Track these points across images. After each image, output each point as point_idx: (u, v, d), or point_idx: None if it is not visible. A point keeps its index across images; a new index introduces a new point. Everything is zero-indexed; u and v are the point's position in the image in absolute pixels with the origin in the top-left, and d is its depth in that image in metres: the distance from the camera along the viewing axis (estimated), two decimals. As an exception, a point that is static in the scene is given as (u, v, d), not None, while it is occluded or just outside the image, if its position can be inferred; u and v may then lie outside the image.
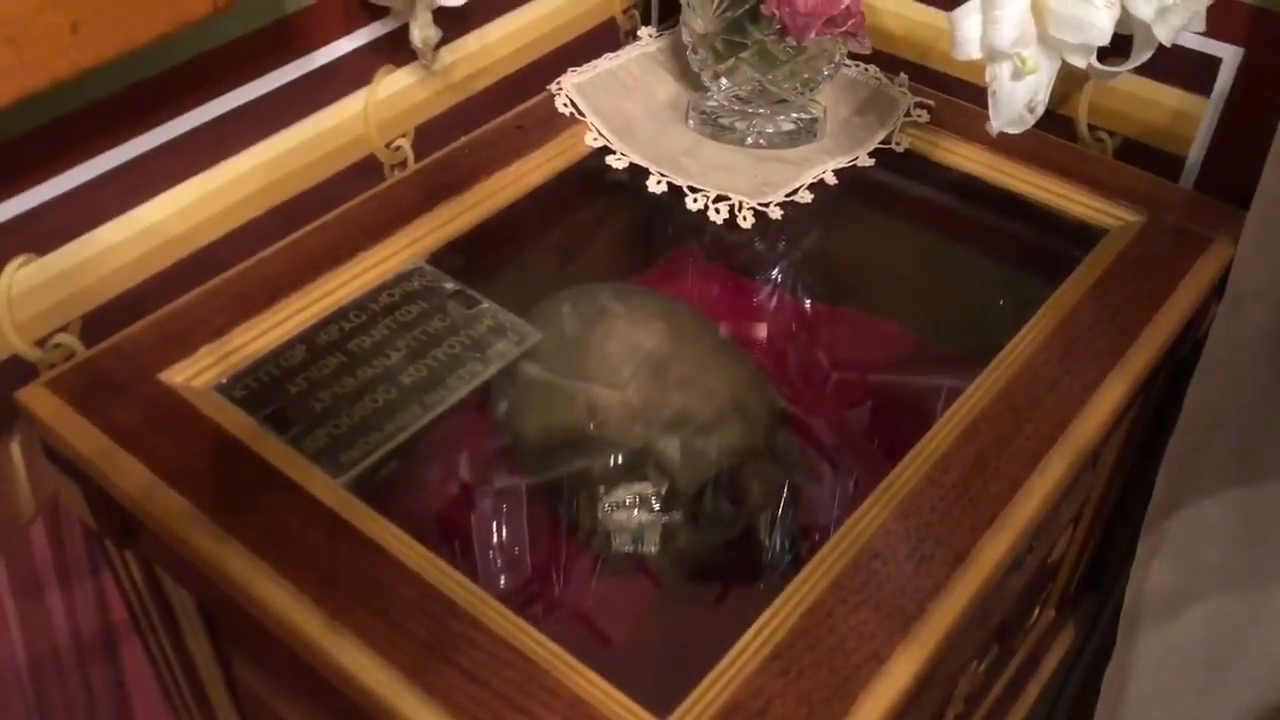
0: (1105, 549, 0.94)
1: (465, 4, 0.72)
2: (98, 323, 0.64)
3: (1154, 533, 0.87)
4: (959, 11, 0.57)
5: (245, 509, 0.54)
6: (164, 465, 0.56)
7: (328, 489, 0.55)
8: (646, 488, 0.68)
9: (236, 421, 0.58)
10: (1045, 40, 0.58)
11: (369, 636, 0.48)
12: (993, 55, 0.57)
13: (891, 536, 0.54)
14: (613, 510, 0.67)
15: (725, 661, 0.48)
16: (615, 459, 0.67)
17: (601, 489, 0.67)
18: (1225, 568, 0.88)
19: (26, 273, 0.60)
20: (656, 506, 0.67)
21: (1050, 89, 0.61)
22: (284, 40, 0.66)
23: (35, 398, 0.59)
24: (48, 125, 0.57)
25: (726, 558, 0.68)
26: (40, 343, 0.62)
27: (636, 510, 0.67)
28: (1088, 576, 0.95)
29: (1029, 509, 0.55)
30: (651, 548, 0.67)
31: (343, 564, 0.51)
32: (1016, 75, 0.58)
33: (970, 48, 0.57)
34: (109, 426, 0.57)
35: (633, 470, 0.68)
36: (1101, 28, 0.57)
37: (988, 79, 0.59)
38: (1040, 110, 0.61)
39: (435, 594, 0.50)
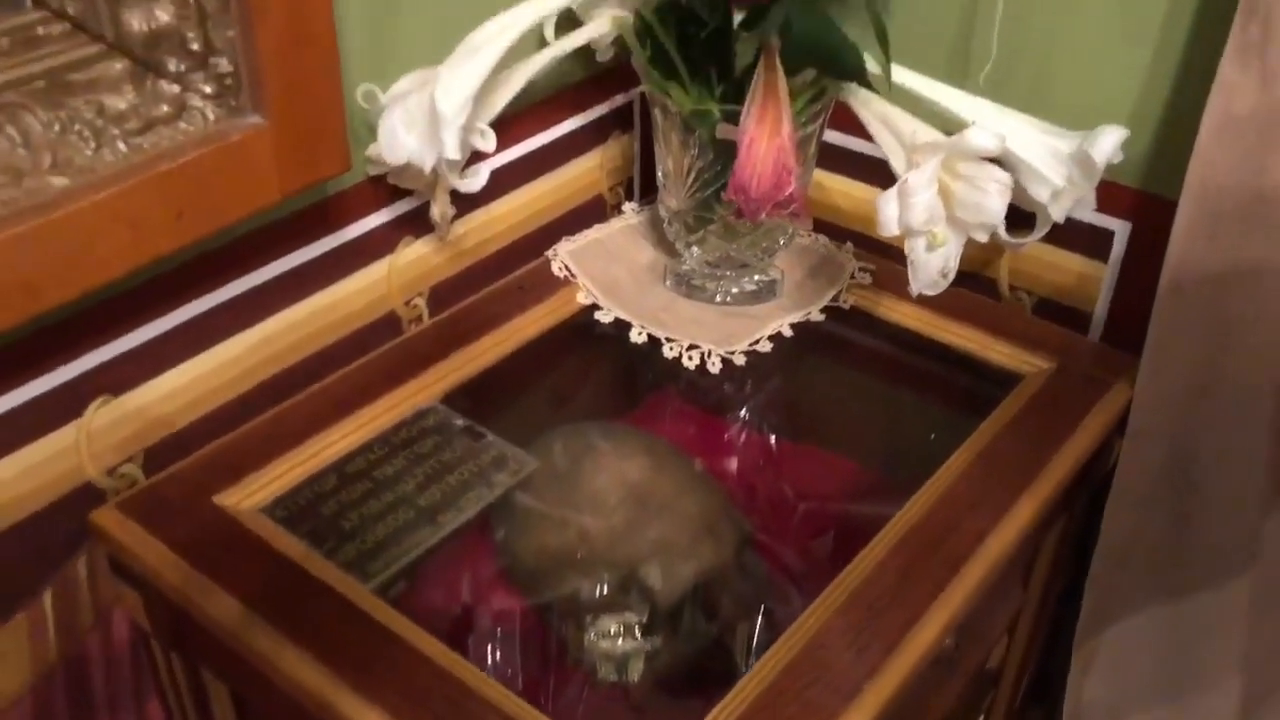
0: (1049, 664, 1.03)
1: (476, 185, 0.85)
2: (159, 454, 0.75)
3: (1085, 648, 0.97)
4: (881, 197, 0.71)
5: (288, 610, 0.64)
6: (218, 575, 0.66)
7: (358, 593, 0.65)
8: (630, 618, 0.77)
9: (280, 538, 0.69)
10: (952, 220, 0.71)
11: (395, 711, 0.58)
12: (909, 232, 0.70)
13: (834, 632, 0.64)
14: (599, 639, 0.77)
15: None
16: (602, 577, 0.77)
17: (589, 618, 0.76)
18: (1155, 681, 0.97)
19: (103, 411, 0.71)
20: (639, 636, 0.76)
21: (959, 257, 0.74)
22: (323, 217, 0.79)
23: (107, 518, 0.70)
24: (134, 289, 0.69)
25: (700, 662, 0.77)
26: (109, 471, 0.73)
27: (621, 640, 0.77)
28: (1034, 690, 1.04)
29: (951, 607, 0.66)
30: (634, 676, 0.76)
31: (372, 654, 0.61)
32: (930, 248, 0.71)
33: (891, 226, 0.70)
34: (171, 542, 0.68)
35: (618, 588, 0.78)
36: (995, 210, 0.70)
37: (906, 251, 0.72)
38: (952, 275, 0.74)
39: (449, 677, 0.60)
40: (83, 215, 0.54)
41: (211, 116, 0.60)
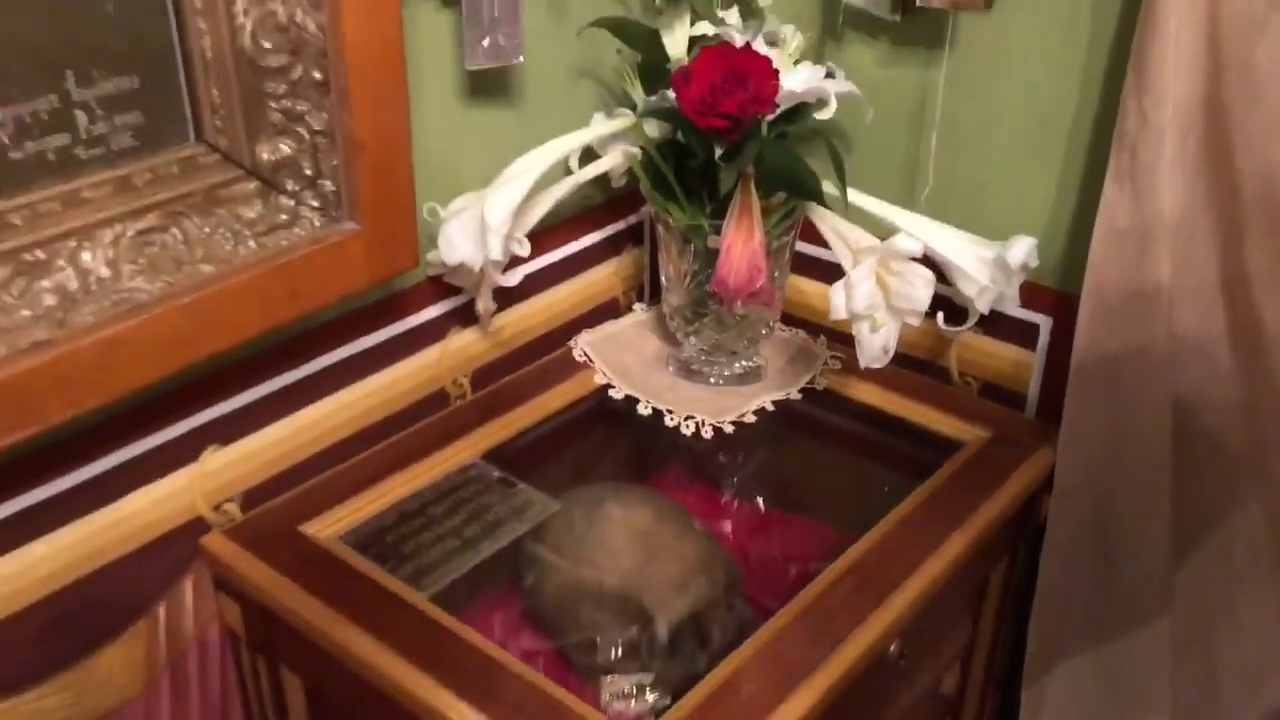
0: (1014, 702, 1.16)
1: (514, 284, 1.05)
2: (254, 494, 0.93)
3: (1034, 688, 1.12)
4: (832, 288, 0.89)
5: (361, 611, 0.80)
6: (306, 585, 0.83)
7: (417, 599, 0.82)
8: (645, 678, 0.93)
9: (354, 559, 0.86)
10: (890, 307, 0.90)
11: (444, 683, 0.74)
12: (855, 316, 0.89)
13: (790, 631, 0.80)
14: (613, 700, 0.92)
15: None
16: (613, 607, 0.93)
17: (606, 679, 0.92)
18: (1098, 716, 1.11)
19: (214, 457, 0.89)
20: (650, 697, 0.91)
21: (898, 338, 0.92)
22: (391, 309, 0.98)
23: (215, 543, 0.87)
24: (243, 359, 0.88)
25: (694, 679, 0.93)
26: (215, 507, 0.91)
27: (634, 702, 0.92)
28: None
29: (892, 613, 0.82)
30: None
31: (429, 643, 0.78)
32: (873, 329, 0.89)
33: (840, 311, 0.89)
34: (268, 561, 0.85)
35: (624, 615, 0.94)
36: (922, 299, 0.88)
37: (854, 331, 0.90)
38: (892, 351, 0.92)
39: (488, 659, 0.77)
40: (225, 292, 0.74)
41: (318, 223, 0.80)
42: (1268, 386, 0.90)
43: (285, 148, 0.78)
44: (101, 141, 0.70)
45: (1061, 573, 1.05)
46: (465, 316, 1.06)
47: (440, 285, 1.02)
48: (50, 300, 0.68)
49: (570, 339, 1.15)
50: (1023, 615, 1.08)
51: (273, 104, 0.76)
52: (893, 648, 0.84)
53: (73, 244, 0.70)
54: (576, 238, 1.14)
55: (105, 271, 0.71)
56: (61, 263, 0.69)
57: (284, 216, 0.79)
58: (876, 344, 0.90)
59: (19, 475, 0.76)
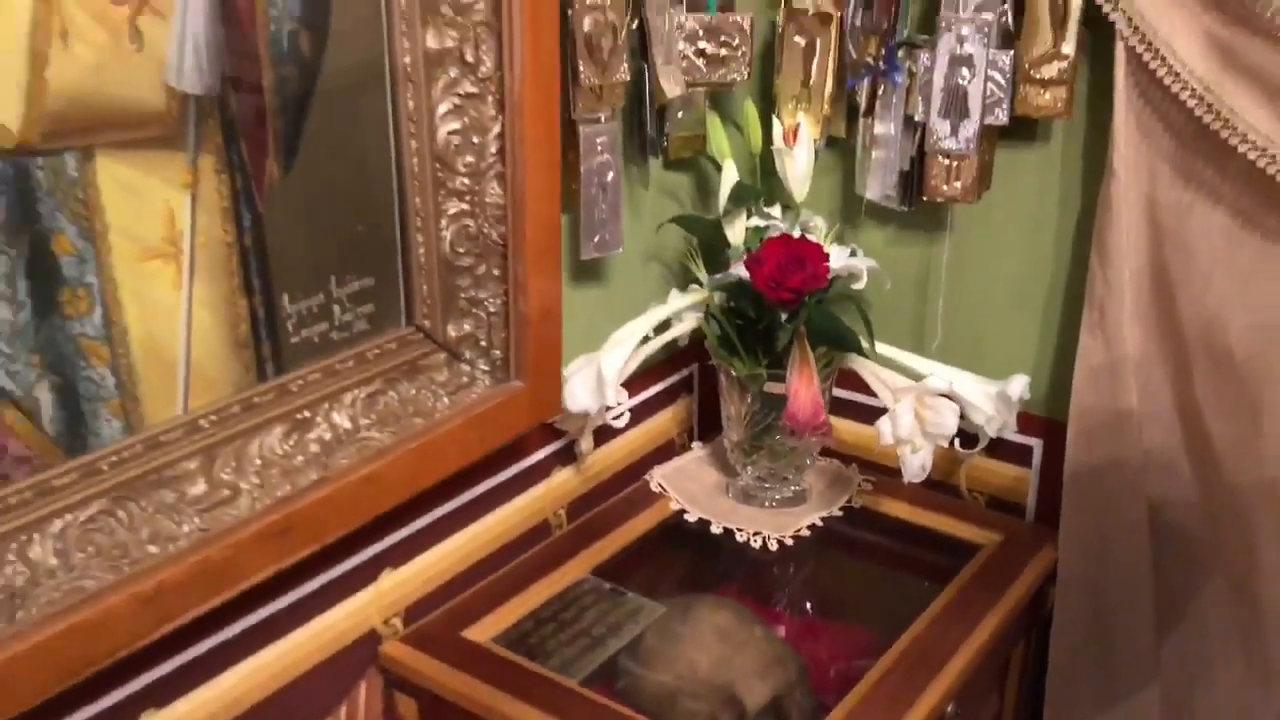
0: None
1: (601, 424, 1.27)
2: (414, 609, 1.12)
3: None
4: (880, 420, 1.13)
5: (523, 692, 0.99)
6: (479, 677, 1.02)
7: (570, 682, 1.01)
8: None
9: (511, 655, 1.05)
10: (924, 434, 1.14)
11: (615, 740, 0.93)
12: (899, 441, 1.12)
13: (865, 707, 1.00)
14: None
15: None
16: (707, 695, 1.13)
17: None
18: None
19: (390, 578, 1.09)
20: None
21: (931, 460, 1.15)
22: (509, 453, 1.20)
23: (396, 650, 1.06)
24: (413, 500, 1.08)
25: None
26: (385, 621, 1.10)
27: None
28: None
29: (938, 692, 1.02)
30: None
31: (583, 713, 0.97)
32: (913, 451, 1.12)
33: (887, 438, 1.12)
34: (440, 658, 1.04)
35: (717, 701, 1.13)
36: (950, 426, 1.12)
37: (898, 454, 1.14)
38: (928, 469, 1.15)
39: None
40: (438, 438, 0.95)
41: (487, 383, 1.03)
42: (1222, 490, 1.15)
43: (467, 326, 1.00)
44: (348, 327, 0.92)
45: (1068, 651, 1.27)
46: (564, 457, 1.27)
47: (546, 431, 1.24)
48: (315, 448, 0.89)
49: (642, 474, 1.37)
50: (1038, 689, 1.29)
51: (461, 294, 0.99)
52: (950, 708, 1.05)
53: (326, 405, 0.91)
54: (645, 388, 1.37)
55: (348, 425, 0.92)
56: (320, 420, 0.90)
57: (465, 379, 1.01)
58: (916, 464, 1.14)
59: (244, 601, 0.95)
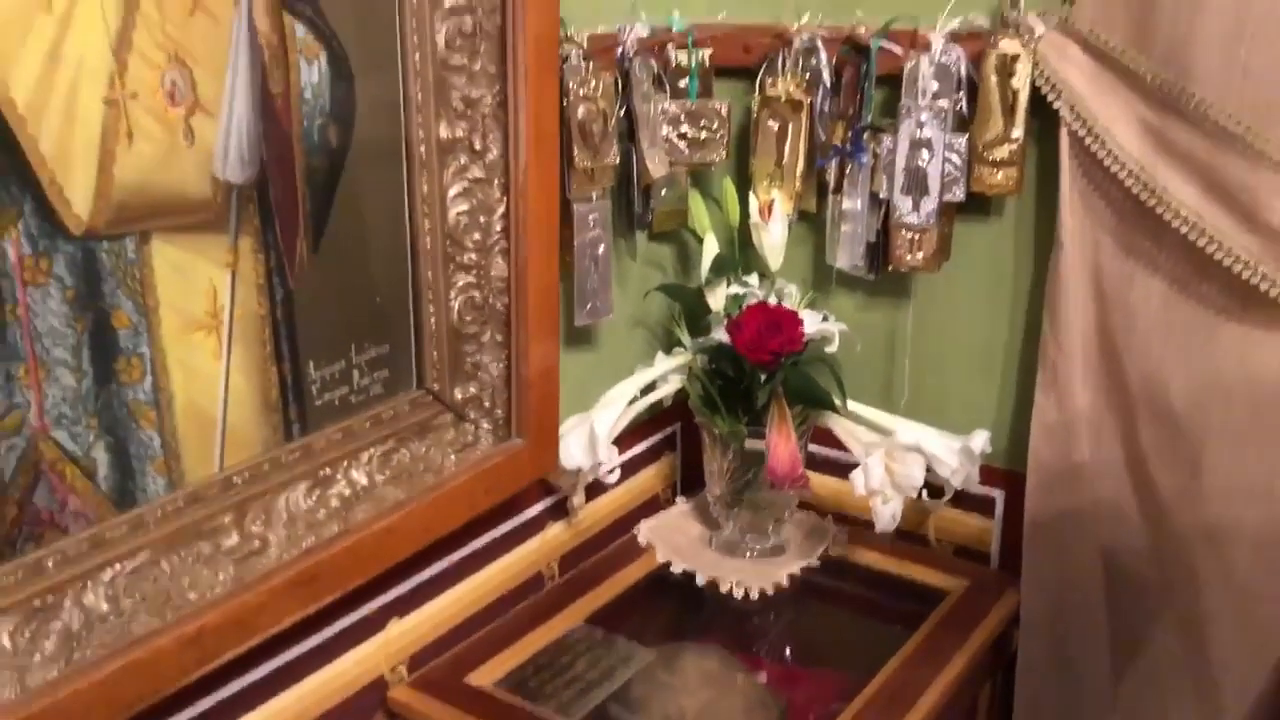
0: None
1: (593, 480, 1.35)
2: (418, 656, 1.18)
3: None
4: (853, 473, 1.22)
5: (530, 732, 1.06)
6: (478, 718, 1.08)
7: (569, 722, 1.09)
8: None
9: (514, 699, 1.12)
10: (894, 485, 1.22)
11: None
12: (871, 493, 1.21)
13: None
14: None
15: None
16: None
17: None
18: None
19: (397, 627, 1.16)
20: None
21: (901, 510, 1.24)
22: (506, 508, 1.27)
23: (406, 694, 1.13)
24: (420, 552, 1.15)
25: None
26: (391, 669, 1.16)
27: None
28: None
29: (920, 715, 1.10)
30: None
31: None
32: (884, 502, 1.21)
33: (860, 489, 1.21)
34: (452, 704, 1.11)
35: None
36: (917, 478, 1.21)
37: (870, 505, 1.22)
38: (898, 519, 1.24)
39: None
40: (447, 492, 1.03)
41: (490, 441, 1.11)
42: (1169, 537, 1.24)
43: (473, 389, 1.09)
44: (365, 391, 1.00)
45: (1031, 690, 1.35)
46: (557, 512, 1.35)
47: (540, 488, 1.31)
48: (336, 503, 0.97)
49: (630, 528, 1.44)
50: (1006, 728, 1.37)
51: (467, 359, 1.07)
52: (920, 745, 1.13)
53: (346, 463, 0.99)
54: (633, 446, 1.45)
55: (366, 481, 1.00)
56: (340, 477, 0.98)
57: (470, 438, 1.09)
58: (887, 514, 1.22)
59: (267, 648, 1.01)
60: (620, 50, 1.22)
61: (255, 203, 0.87)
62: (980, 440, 1.28)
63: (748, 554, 1.40)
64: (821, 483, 1.46)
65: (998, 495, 1.39)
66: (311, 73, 0.88)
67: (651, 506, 1.51)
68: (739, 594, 1.33)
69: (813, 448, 1.43)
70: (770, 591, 1.33)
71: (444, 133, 0.98)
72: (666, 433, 1.53)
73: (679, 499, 1.53)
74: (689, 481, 1.55)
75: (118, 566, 0.82)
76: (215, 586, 0.87)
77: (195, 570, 0.86)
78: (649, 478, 1.50)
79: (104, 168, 0.76)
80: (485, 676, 1.16)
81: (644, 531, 1.43)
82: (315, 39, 0.88)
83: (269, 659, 1.02)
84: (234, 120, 0.83)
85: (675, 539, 1.43)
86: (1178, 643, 1.27)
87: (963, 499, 1.38)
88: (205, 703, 0.96)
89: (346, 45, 0.90)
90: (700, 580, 1.35)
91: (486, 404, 1.10)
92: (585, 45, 1.16)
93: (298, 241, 0.90)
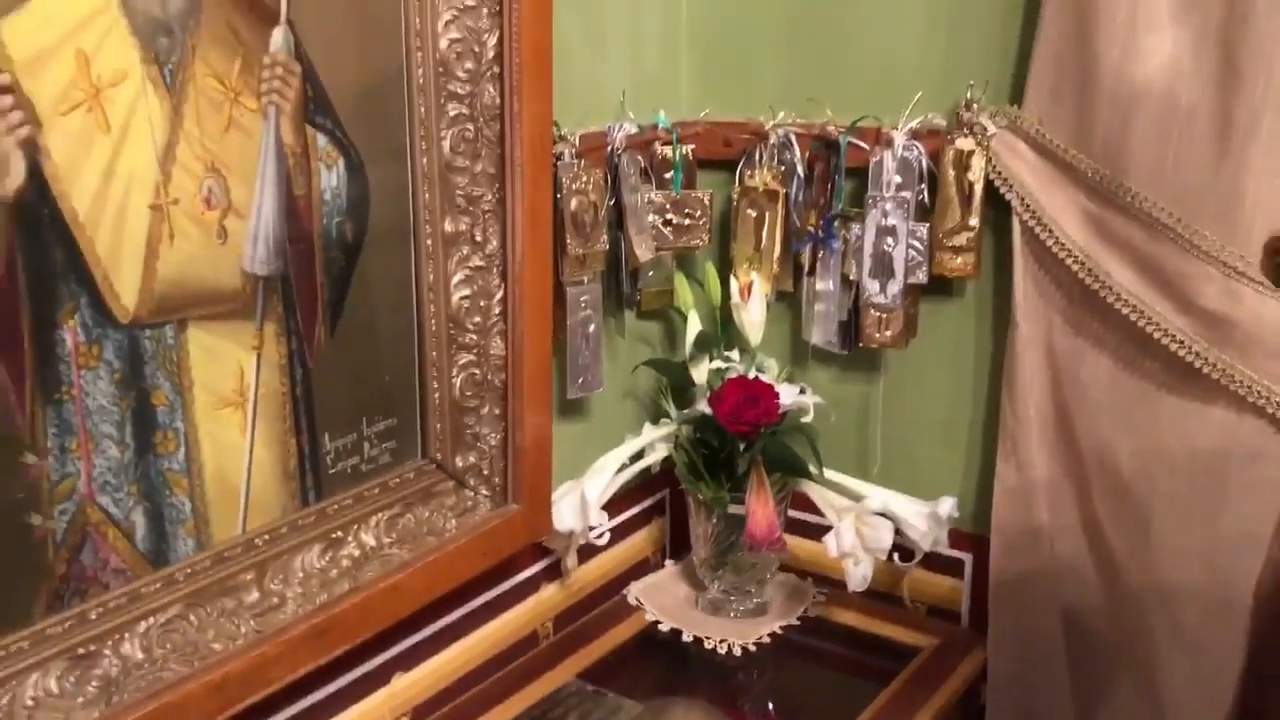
0: None
1: (585, 543, 1.43)
2: (421, 709, 1.27)
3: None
4: (826, 536, 1.31)
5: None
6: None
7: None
8: None
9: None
10: (865, 548, 1.31)
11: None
12: (843, 554, 1.30)
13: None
14: None
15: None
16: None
17: None
18: None
19: (401, 681, 1.24)
20: None
21: (872, 571, 1.33)
22: (503, 570, 1.36)
23: (404, 741, 1.21)
24: (423, 610, 1.24)
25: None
26: (396, 719, 1.25)
27: None
28: None
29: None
30: None
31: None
32: (855, 563, 1.30)
33: (833, 551, 1.30)
34: (445, 751, 1.19)
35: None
36: (886, 542, 1.30)
37: (843, 566, 1.31)
38: (869, 578, 1.33)
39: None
40: (449, 554, 1.12)
41: (488, 506, 1.20)
42: (1123, 595, 1.32)
43: (472, 458, 1.18)
44: (374, 460, 1.10)
45: (1005, 742, 1.43)
46: (550, 574, 1.44)
47: (535, 551, 1.40)
48: (346, 563, 1.06)
49: (620, 589, 1.53)
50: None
51: (468, 430, 1.17)
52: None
53: (356, 526, 1.08)
54: (623, 511, 1.54)
55: (374, 542, 1.09)
56: (351, 539, 1.07)
57: (470, 503, 1.19)
58: (859, 574, 1.31)
59: (284, 696, 1.10)
60: (610, 147, 1.34)
61: (279, 292, 0.97)
62: (947, 506, 1.37)
63: (732, 613, 1.48)
64: (801, 546, 1.55)
65: (966, 558, 1.47)
66: (330, 177, 0.99)
67: (641, 569, 1.59)
68: (723, 650, 1.41)
69: (792, 513, 1.52)
70: (752, 649, 1.42)
71: (448, 227, 1.09)
72: (656, 499, 1.62)
73: (667, 562, 1.62)
74: (677, 545, 1.64)
75: (151, 619, 0.91)
76: (238, 638, 0.96)
77: (220, 623, 0.95)
78: (639, 541, 1.59)
79: (149, 265, 0.87)
80: (483, 728, 1.24)
81: (634, 592, 1.52)
82: (334, 148, 0.99)
83: (284, 709, 1.10)
84: (262, 220, 0.94)
85: (663, 599, 1.52)
86: (1136, 696, 1.35)
87: (934, 561, 1.47)
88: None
89: (362, 152, 1.01)
90: (686, 638, 1.44)
91: (485, 472, 1.20)
92: (577, 144, 1.27)
93: (316, 326, 1.01)
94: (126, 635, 0.90)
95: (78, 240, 0.82)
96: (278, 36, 0.93)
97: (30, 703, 0.84)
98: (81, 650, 0.87)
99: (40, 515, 0.84)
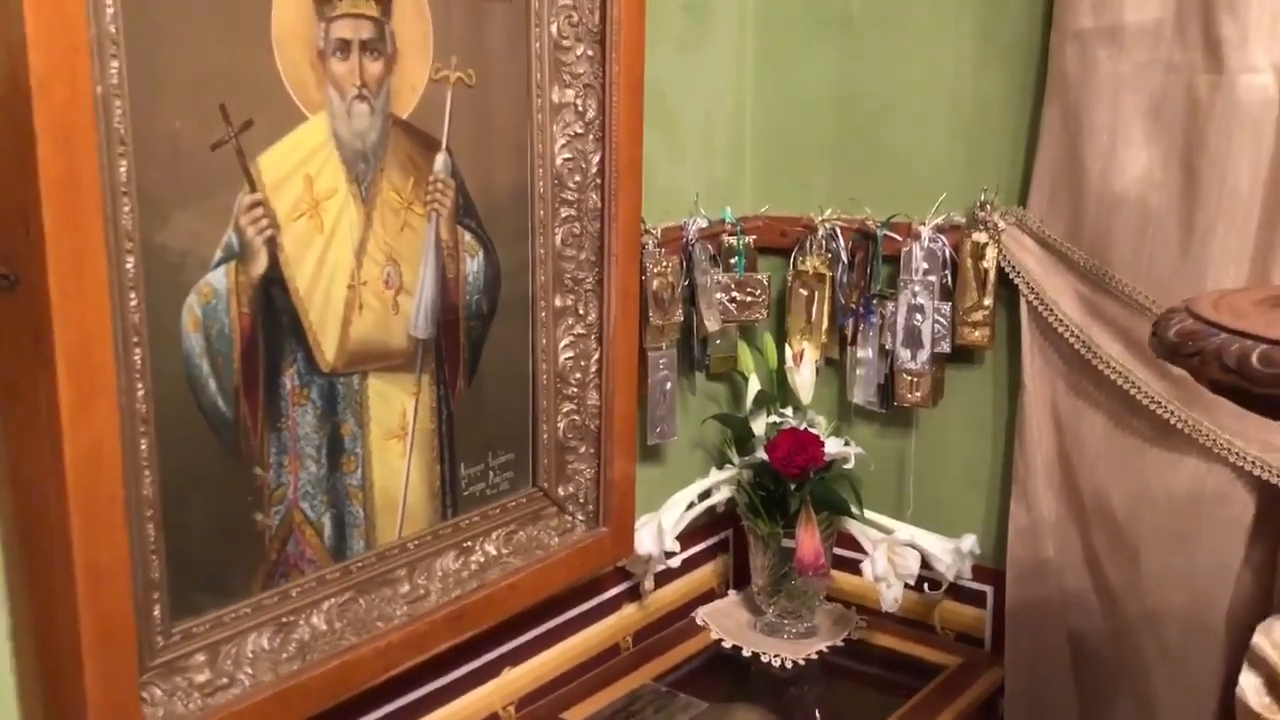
0: None
1: (661, 568, 1.70)
2: (524, 699, 1.53)
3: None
4: (864, 563, 1.56)
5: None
6: (572, 741, 1.42)
7: (639, 747, 1.42)
8: None
9: (595, 729, 1.46)
10: (896, 574, 1.56)
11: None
12: (877, 579, 1.55)
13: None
14: None
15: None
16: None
17: None
18: None
19: (510, 674, 1.50)
20: None
21: (901, 596, 1.57)
22: (591, 589, 1.62)
23: (511, 722, 1.47)
24: (530, 613, 1.51)
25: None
26: (504, 707, 1.51)
27: None
28: None
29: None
30: None
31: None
32: (887, 586, 1.55)
33: (868, 575, 1.55)
34: (545, 731, 1.45)
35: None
36: (913, 569, 1.55)
37: (878, 589, 1.56)
38: (900, 598, 1.57)
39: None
40: (553, 564, 1.39)
41: (582, 530, 1.48)
42: (1121, 622, 1.55)
43: (571, 488, 1.46)
44: (496, 486, 1.38)
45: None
46: (630, 596, 1.70)
47: (618, 575, 1.66)
48: (475, 566, 1.34)
49: (690, 613, 1.79)
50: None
51: (568, 465, 1.45)
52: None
53: (482, 538, 1.36)
54: (693, 545, 1.80)
55: (495, 552, 1.37)
56: (478, 548, 1.35)
57: (568, 525, 1.46)
58: (890, 596, 1.56)
59: (422, 672, 1.37)
60: (685, 238, 1.63)
61: (433, 352, 1.27)
62: (969, 542, 1.62)
63: (785, 634, 1.73)
64: (846, 580, 1.80)
65: (988, 590, 1.71)
66: (473, 264, 1.29)
67: (708, 596, 1.85)
68: (776, 664, 1.66)
69: (838, 550, 1.77)
70: (802, 663, 1.66)
71: (558, 302, 1.39)
72: (720, 537, 1.88)
73: (730, 591, 1.87)
74: (739, 577, 1.89)
75: (333, 600, 1.20)
76: (394, 618, 1.24)
77: (381, 606, 1.24)
78: (706, 573, 1.85)
79: (344, 329, 1.17)
80: (578, 714, 1.50)
81: (701, 614, 1.78)
82: (476, 242, 1.29)
83: (421, 686, 1.37)
84: (424, 297, 1.24)
85: (726, 621, 1.77)
86: (1134, 708, 1.57)
87: (961, 593, 1.71)
88: None
89: (496, 245, 1.31)
90: (745, 653, 1.69)
91: (581, 500, 1.47)
92: (659, 235, 1.57)
93: (458, 378, 1.30)
94: (315, 610, 1.18)
95: (298, 310, 1.12)
96: (440, 160, 1.23)
97: (251, 654, 1.12)
98: (285, 619, 1.15)
99: (262, 514, 1.13)
